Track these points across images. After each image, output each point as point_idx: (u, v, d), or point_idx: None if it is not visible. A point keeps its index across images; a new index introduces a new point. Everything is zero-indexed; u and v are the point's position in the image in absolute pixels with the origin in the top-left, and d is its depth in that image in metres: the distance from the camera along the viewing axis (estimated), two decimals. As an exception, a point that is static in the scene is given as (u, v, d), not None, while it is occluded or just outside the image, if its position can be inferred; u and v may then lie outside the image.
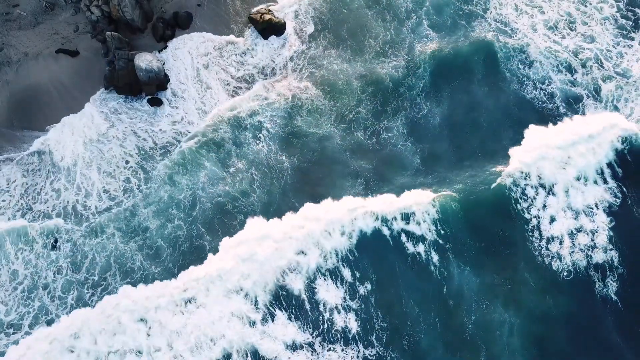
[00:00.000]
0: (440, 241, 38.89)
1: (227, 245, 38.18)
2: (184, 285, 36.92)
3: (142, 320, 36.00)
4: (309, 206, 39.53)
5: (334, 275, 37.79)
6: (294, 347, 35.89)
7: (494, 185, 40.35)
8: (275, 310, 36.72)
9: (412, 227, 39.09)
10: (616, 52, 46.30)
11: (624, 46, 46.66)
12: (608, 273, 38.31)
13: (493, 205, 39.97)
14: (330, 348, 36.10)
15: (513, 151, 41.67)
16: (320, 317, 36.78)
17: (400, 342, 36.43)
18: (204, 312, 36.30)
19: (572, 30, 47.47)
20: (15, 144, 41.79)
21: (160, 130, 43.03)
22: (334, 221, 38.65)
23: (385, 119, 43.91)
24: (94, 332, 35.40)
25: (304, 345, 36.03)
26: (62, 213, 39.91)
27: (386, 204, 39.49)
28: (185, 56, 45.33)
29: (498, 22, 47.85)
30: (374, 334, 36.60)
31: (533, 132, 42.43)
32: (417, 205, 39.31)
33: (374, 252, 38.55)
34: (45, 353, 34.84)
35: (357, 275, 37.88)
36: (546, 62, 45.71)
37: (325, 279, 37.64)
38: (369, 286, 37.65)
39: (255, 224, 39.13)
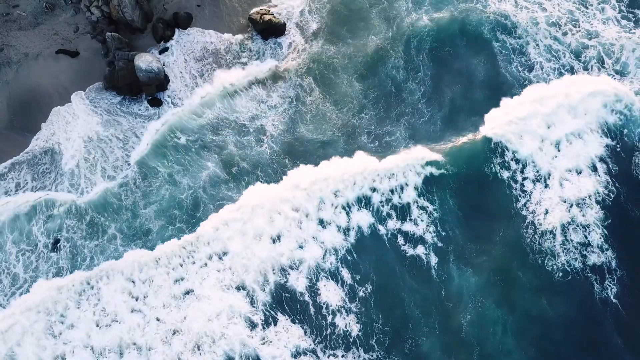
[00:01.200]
0: (436, 237, 39.26)
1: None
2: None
3: (138, 311, 36.27)
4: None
5: (334, 275, 37.87)
6: (296, 353, 35.84)
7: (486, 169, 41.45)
8: (277, 314, 36.73)
9: (408, 226, 39.27)
10: (618, 47, 46.12)
11: (626, 39, 46.49)
12: (606, 275, 38.51)
13: (486, 185, 40.98)
14: (331, 354, 36.05)
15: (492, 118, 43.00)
16: (323, 321, 36.75)
17: (402, 346, 36.61)
18: (203, 305, 36.35)
19: (574, 26, 47.38)
20: (15, 145, 41.79)
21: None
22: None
23: (389, 124, 43.90)
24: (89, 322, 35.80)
25: (307, 352, 35.97)
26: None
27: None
28: (181, 57, 45.24)
29: (498, 14, 47.76)
30: (375, 338, 36.70)
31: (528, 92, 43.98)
32: (406, 170, 40.55)
33: (371, 250, 38.77)
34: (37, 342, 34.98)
35: (357, 277, 37.98)
36: (547, 65, 45.68)
37: (327, 279, 37.67)
38: (369, 286, 37.72)
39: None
